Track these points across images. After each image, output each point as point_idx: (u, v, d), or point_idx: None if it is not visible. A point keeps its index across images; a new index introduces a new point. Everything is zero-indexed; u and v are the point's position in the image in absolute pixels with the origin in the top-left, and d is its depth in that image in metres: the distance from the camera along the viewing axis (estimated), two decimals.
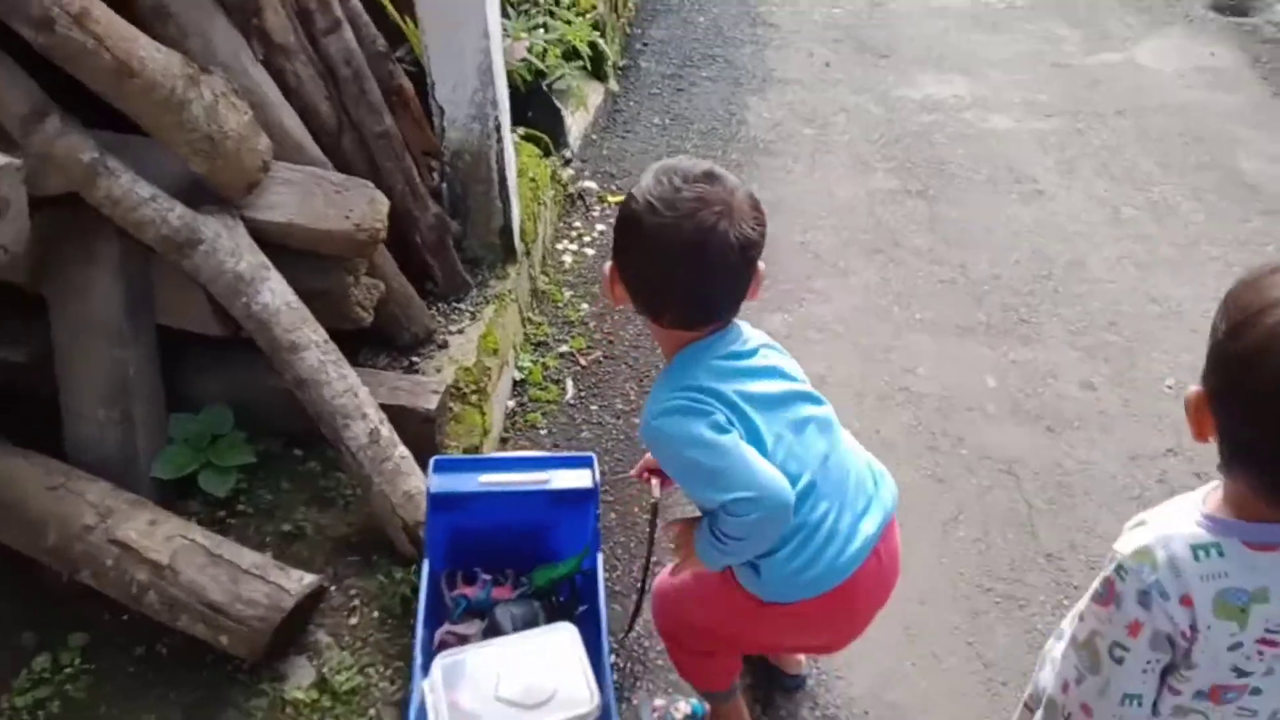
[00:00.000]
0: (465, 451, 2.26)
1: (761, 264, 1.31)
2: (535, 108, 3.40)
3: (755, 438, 1.29)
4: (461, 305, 2.56)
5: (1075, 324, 2.78)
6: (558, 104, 3.48)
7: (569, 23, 3.50)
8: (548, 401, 2.61)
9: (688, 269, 1.25)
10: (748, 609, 1.39)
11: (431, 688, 1.42)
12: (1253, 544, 0.99)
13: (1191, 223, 3.21)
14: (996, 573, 2.08)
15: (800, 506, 1.30)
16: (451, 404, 2.29)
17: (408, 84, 2.52)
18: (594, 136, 3.86)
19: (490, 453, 2.37)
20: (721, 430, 1.26)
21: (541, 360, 2.74)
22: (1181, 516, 1.04)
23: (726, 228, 1.22)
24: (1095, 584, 1.07)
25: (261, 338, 1.88)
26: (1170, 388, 2.55)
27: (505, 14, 3.10)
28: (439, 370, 2.35)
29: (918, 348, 2.71)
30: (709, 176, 1.25)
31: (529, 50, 3.05)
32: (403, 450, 1.95)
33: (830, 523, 1.34)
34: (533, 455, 1.66)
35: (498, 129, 2.43)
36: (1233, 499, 1.02)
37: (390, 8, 2.54)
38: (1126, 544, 1.04)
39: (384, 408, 2.02)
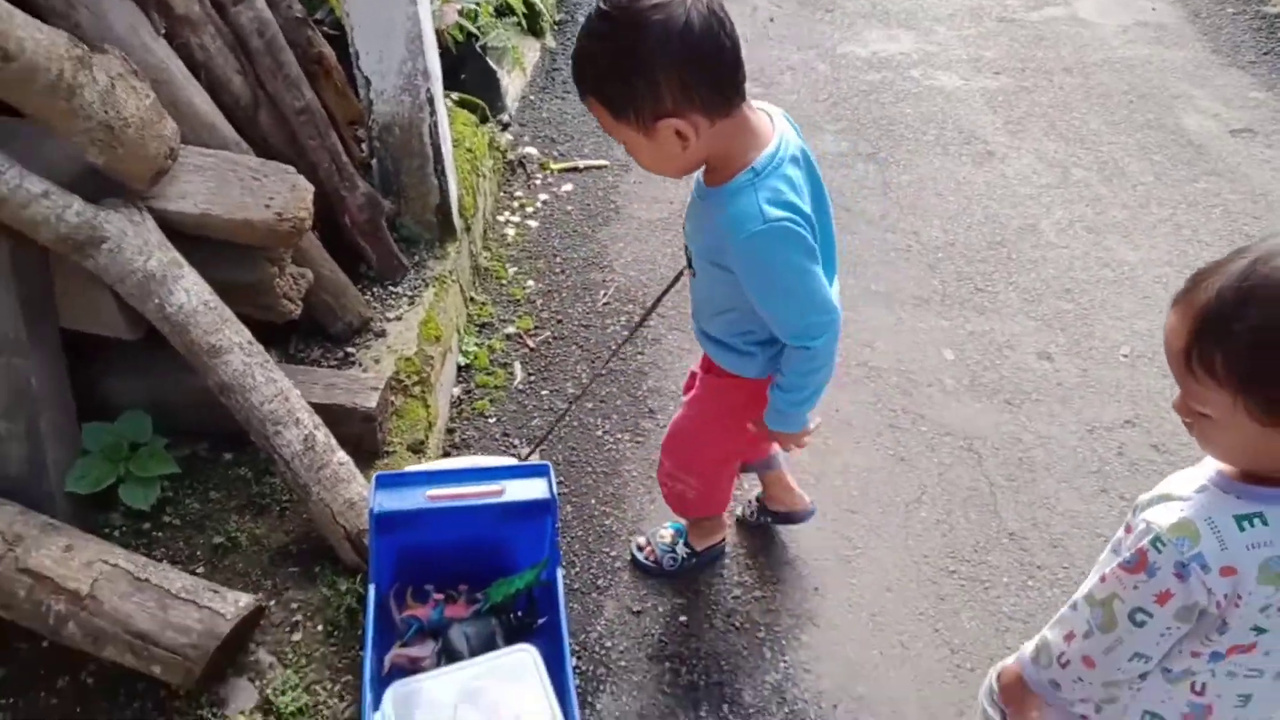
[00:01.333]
0: (410, 448, 2.14)
1: None
2: (468, 70, 3.21)
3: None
4: (398, 289, 2.41)
5: (1030, 292, 2.74)
6: (493, 65, 3.30)
7: None
8: (495, 387, 2.50)
9: (718, 37, 1.30)
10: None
11: None
12: None
13: (1140, 183, 3.19)
14: (960, 554, 2.05)
15: None
16: (393, 398, 2.16)
17: (329, 51, 2.33)
18: (532, 98, 3.69)
19: (437, 449, 2.26)
20: (814, 258, 1.35)
21: (487, 343, 2.61)
22: (1214, 491, 1.05)
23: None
24: (1125, 552, 1.09)
25: (178, 341, 1.72)
26: (1126, 356, 2.53)
27: None
28: (377, 361, 2.21)
29: (874, 320, 2.65)
30: None
31: (461, 14, 2.86)
32: (341, 455, 1.83)
33: None
34: (483, 465, 1.55)
35: (430, 101, 2.26)
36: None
37: None
38: (1163, 516, 1.05)
39: (319, 408, 1.88)
